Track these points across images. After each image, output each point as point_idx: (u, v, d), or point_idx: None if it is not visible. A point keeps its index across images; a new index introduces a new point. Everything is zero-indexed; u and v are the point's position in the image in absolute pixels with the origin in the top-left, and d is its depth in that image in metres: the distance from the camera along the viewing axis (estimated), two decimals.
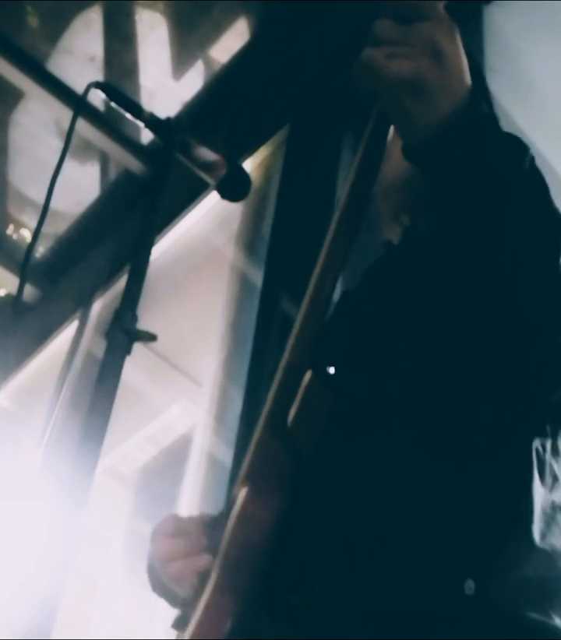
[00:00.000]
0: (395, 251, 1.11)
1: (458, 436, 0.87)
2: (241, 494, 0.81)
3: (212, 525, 1.00)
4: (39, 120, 3.91)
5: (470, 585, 0.80)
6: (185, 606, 0.93)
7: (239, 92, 3.46)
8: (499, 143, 0.78)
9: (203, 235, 3.52)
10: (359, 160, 0.85)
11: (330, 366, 0.83)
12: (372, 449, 0.89)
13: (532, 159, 0.79)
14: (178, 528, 1.01)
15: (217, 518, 1.01)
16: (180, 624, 0.94)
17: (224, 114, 3.44)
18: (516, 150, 0.79)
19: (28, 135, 3.99)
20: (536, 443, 0.89)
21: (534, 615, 0.82)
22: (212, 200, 3.31)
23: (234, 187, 1.32)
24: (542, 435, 0.90)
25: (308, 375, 0.80)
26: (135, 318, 1.08)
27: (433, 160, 0.78)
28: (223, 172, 1.29)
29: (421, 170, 0.80)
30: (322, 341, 0.86)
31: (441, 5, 0.79)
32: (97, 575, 3.92)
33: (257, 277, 2.82)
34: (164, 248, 3.48)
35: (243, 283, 2.98)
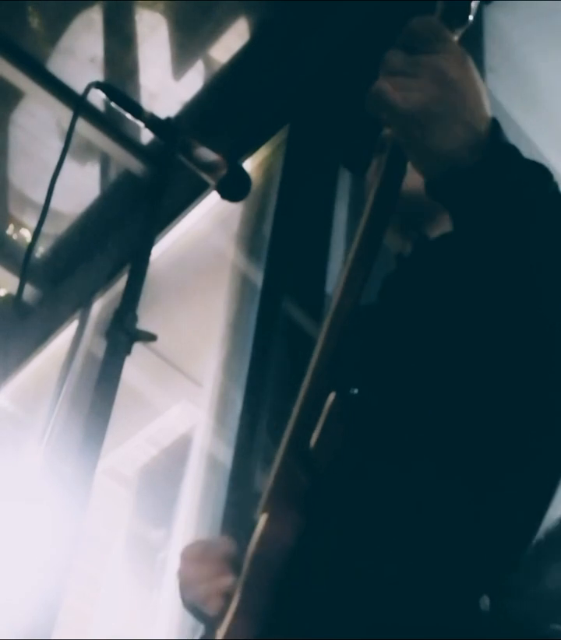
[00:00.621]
0: (408, 263, 1.11)
1: (478, 452, 0.87)
2: (262, 519, 0.81)
3: (235, 548, 1.03)
4: (39, 120, 3.91)
5: (485, 602, 0.79)
6: (213, 624, 0.94)
7: (239, 92, 3.47)
8: (521, 173, 0.78)
9: (203, 235, 3.52)
10: (377, 187, 0.85)
11: (353, 387, 0.82)
12: (391, 466, 0.89)
13: (556, 185, 0.79)
14: (204, 552, 1.04)
15: (241, 542, 1.02)
16: None
17: (225, 114, 3.44)
18: (540, 179, 0.78)
19: (28, 136, 3.99)
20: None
21: (554, 626, 0.81)
22: (212, 200, 3.32)
23: (234, 187, 1.32)
24: None
25: (331, 397, 0.80)
26: (135, 318, 1.08)
27: (452, 192, 0.78)
28: (223, 172, 1.29)
29: (442, 203, 0.80)
30: (343, 361, 0.86)
31: (453, 37, 0.79)
32: (97, 575, 3.93)
33: (257, 278, 2.82)
34: (164, 248, 3.48)
35: (243, 284, 2.98)
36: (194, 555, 1.04)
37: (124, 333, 1.05)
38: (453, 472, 0.86)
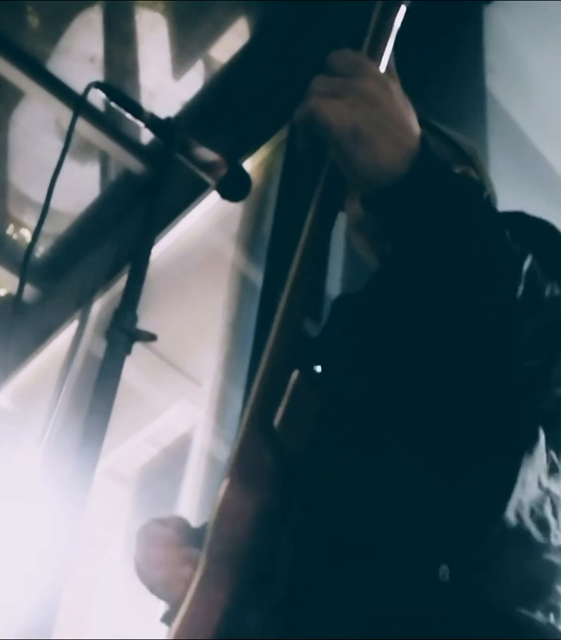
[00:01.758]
0: (388, 258, 1.14)
1: (440, 430, 0.90)
2: (222, 488, 0.82)
3: (189, 526, 1.07)
4: (39, 120, 3.91)
5: (444, 571, 0.81)
6: (175, 604, 0.96)
7: (239, 92, 3.47)
8: (452, 188, 0.80)
9: (203, 235, 3.52)
10: (312, 218, 0.87)
11: (317, 365, 0.83)
12: (357, 445, 0.92)
13: (488, 199, 0.82)
14: (159, 533, 1.07)
15: (200, 526, 1.05)
16: (169, 618, 0.97)
17: (224, 114, 3.44)
18: (471, 195, 0.81)
19: (28, 135, 3.99)
20: (525, 439, 0.93)
21: (522, 611, 0.83)
22: (212, 200, 3.32)
23: (234, 187, 1.31)
24: (531, 435, 0.93)
25: (295, 375, 0.80)
26: (135, 318, 1.08)
27: (386, 208, 0.80)
28: (223, 172, 1.28)
29: (377, 219, 0.82)
30: (311, 341, 0.87)
31: (373, 62, 0.83)
32: (96, 576, 3.93)
33: (257, 277, 2.82)
34: (164, 248, 3.48)
35: (243, 283, 2.98)
36: (150, 538, 1.07)
37: (124, 333, 1.05)
38: (418, 450, 0.89)
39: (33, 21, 3.58)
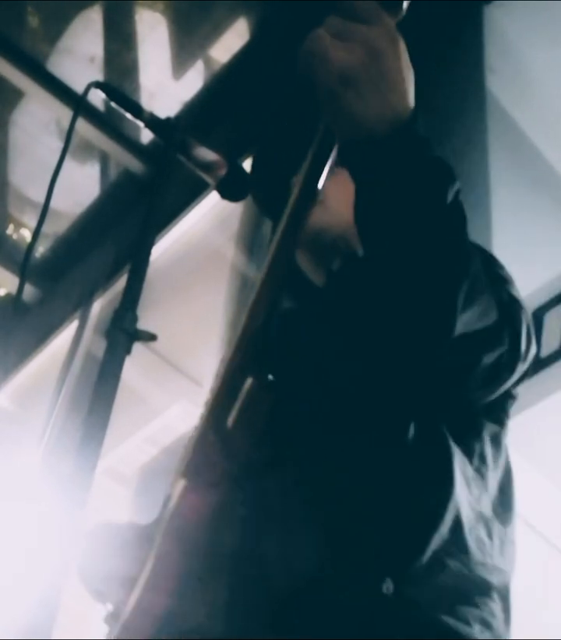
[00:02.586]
0: (336, 276, 1.16)
1: (385, 439, 0.92)
2: (177, 488, 0.82)
3: (139, 530, 1.05)
4: (39, 120, 3.91)
5: (388, 585, 0.84)
6: (118, 607, 0.97)
7: (239, 92, 3.47)
8: (427, 167, 0.80)
9: (203, 235, 3.52)
10: (304, 176, 0.86)
11: (270, 373, 0.84)
12: (307, 451, 0.94)
13: (457, 191, 0.81)
14: (107, 535, 1.07)
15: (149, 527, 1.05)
16: (111, 618, 0.97)
17: (224, 114, 3.44)
18: (442, 179, 0.80)
19: (28, 135, 3.99)
20: (460, 454, 0.95)
21: (448, 619, 0.85)
22: (212, 200, 3.32)
23: (234, 187, 1.32)
24: (469, 446, 0.97)
25: (248, 382, 0.81)
26: (135, 318, 1.08)
27: (360, 162, 0.80)
28: (223, 172, 1.29)
29: (349, 169, 0.82)
30: (265, 349, 0.88)
31: (389, 18, 0.80)
32: None
33: (257, 277, 2.82)
34: (163, 248, 3.48)
35: (243, 283, 2.98)
36: (98, 538, 1.06)
37: (124, 333, 1.05)
38: (365, 460, 0.91)
39: (33, 21, 3.58)
